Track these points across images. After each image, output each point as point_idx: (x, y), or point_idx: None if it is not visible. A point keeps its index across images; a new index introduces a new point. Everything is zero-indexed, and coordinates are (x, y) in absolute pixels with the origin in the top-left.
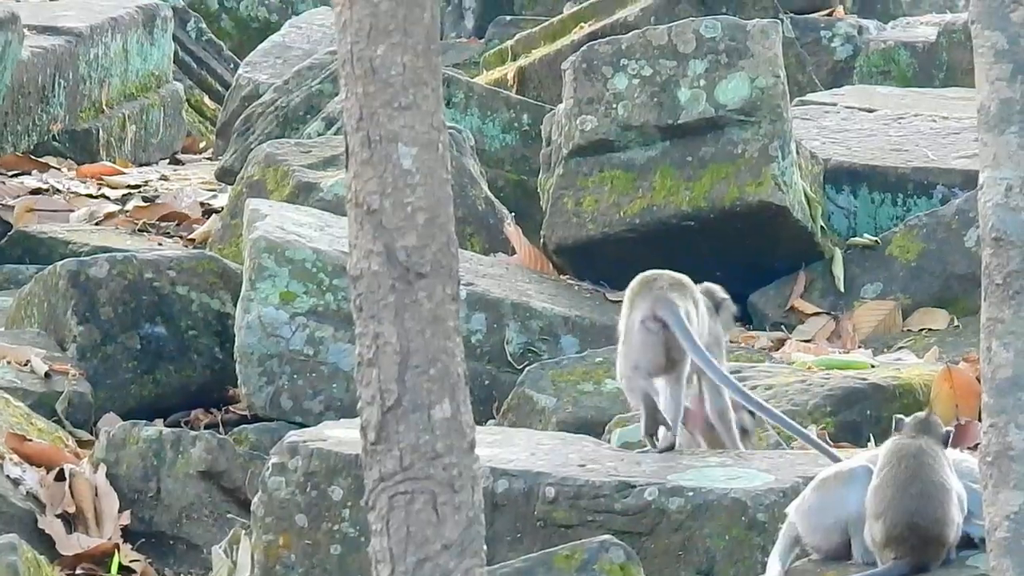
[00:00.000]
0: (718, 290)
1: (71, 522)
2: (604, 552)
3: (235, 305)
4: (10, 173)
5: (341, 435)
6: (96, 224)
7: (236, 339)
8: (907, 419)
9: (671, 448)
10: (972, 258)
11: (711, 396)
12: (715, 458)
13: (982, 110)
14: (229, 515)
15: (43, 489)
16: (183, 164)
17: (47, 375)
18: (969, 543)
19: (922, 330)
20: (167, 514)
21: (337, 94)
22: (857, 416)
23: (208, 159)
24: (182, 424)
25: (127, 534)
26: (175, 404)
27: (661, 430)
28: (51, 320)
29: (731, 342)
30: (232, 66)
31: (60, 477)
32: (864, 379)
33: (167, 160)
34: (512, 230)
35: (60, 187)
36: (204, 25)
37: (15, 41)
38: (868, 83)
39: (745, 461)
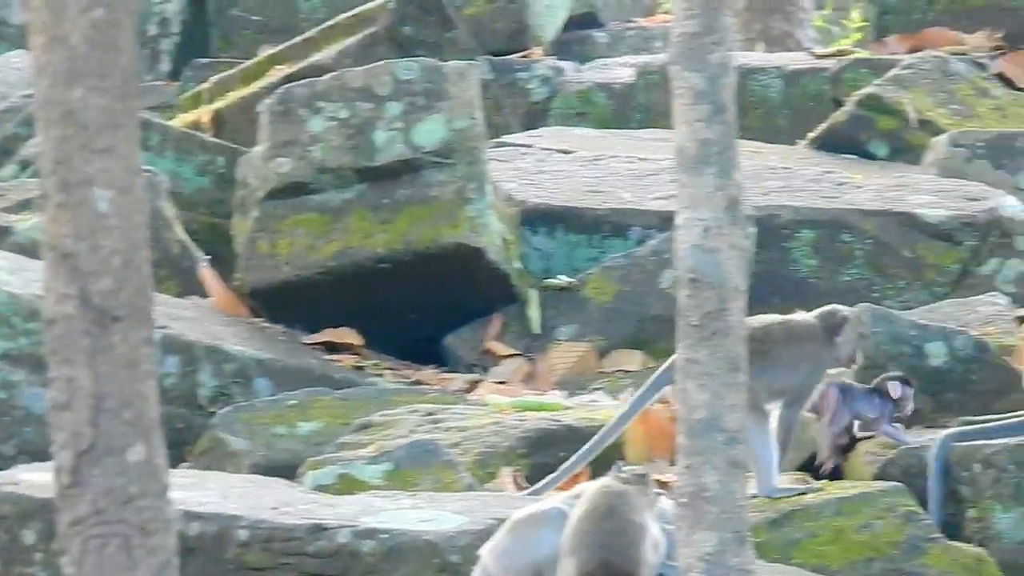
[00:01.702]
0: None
1: None
2: None
3: None
4: None
5: (34, 479)
6: None
7: None
8: (624, 466)
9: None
10: (667, 299)
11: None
12: (409, 500)
13: (680, 151)
14: None
15: None
16: None
17: None
18: None
19: (617, 371)
20: None
21: (32, 137)
22: (551, 458)
23: None
24: None
25: None
26: None
27: None
28: None
29: (426, 383)
30: None
31: None
32: (558, 421)
33: None
34: (206, 273)
35: None
36: None
37: None
38: (565, 124)
39: (439, 503)
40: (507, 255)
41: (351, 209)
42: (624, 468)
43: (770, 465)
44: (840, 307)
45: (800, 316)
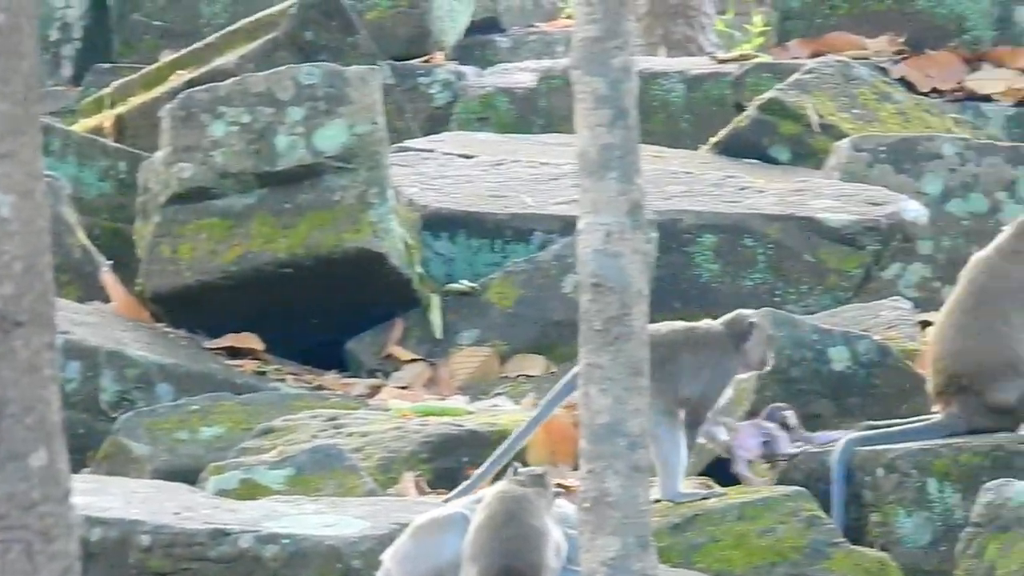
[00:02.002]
0: (744, 317)
1: None
2: None
3: None
4: None
5: None
6: None
7: None
8: (523, 469)
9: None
10: (569, 304)
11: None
12: (311, 505)
13: (582, 156)
14: None
15: None
16: None
17: None
18: None
19: (519, 376)
20: None
21: None
22: (454, 463)
23: None
24: None
25: None
26: None
27: None
28: None
29: (328, 388)
30: None
31: None
32: (461, 426)
33: None
34: (108, 278)
35: None
36: None
37: None
38: (467, 129)
39: (341, 508)
40: (409, 260)
41: (253, 214)
42: (521, 471)
43: (676, 469)
44: (746, 312)
45: (706, 324)
